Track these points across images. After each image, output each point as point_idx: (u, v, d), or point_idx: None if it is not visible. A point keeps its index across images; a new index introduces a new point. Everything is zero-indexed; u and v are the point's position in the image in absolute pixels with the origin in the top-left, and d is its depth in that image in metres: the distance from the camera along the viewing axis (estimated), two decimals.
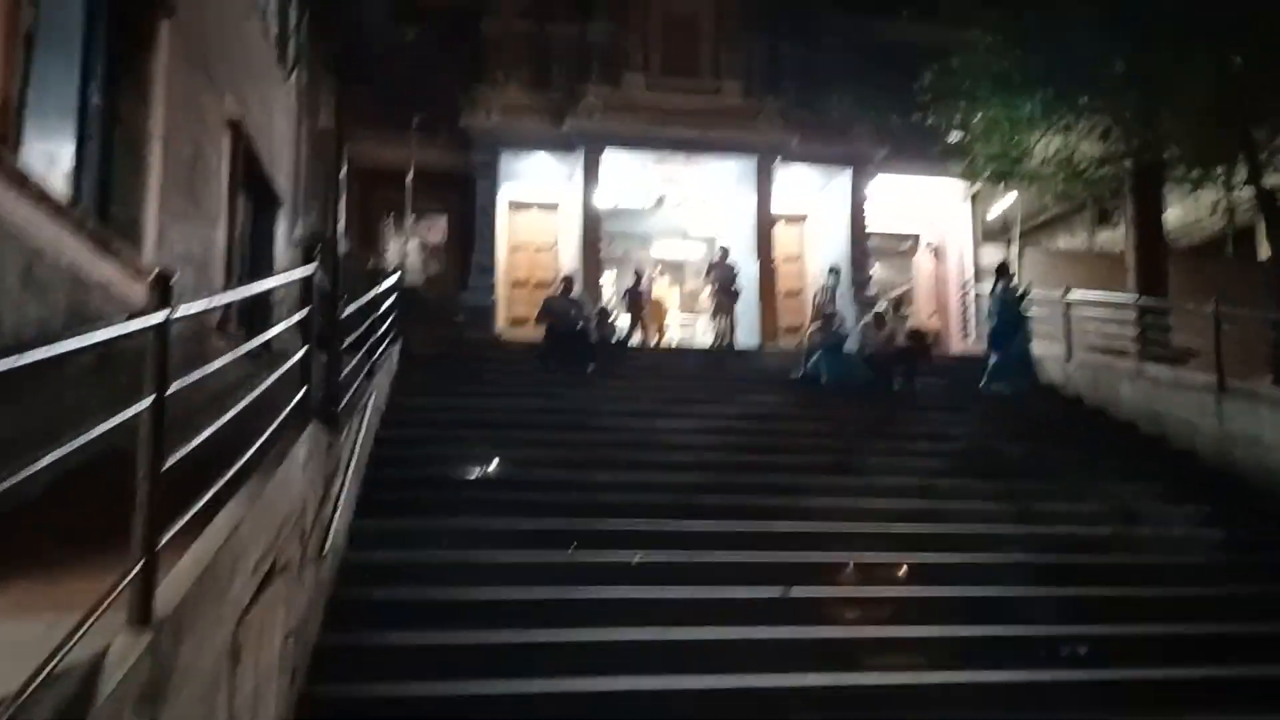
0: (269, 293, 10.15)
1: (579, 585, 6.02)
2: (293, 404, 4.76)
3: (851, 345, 12.67)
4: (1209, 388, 9.87)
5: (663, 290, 19.76)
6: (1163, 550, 7.53)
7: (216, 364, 3.28)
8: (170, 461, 2.91)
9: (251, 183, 10.46)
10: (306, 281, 5.43)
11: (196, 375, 3.04)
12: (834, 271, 15.99)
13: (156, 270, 2.84)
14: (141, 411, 2.76)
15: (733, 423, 9.83)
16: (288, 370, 4.80)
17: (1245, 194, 13.14)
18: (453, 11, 17.34)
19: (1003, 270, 12.95)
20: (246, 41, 9.96)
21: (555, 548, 6.50)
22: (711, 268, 16.16)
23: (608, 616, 5.72)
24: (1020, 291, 12.62)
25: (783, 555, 6.65)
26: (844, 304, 16.50)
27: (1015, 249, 17.54)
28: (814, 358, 12.01)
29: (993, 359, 12.27)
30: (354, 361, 7.32)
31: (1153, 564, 7.24)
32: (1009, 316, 12.29)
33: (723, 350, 15.16)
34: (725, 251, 16.21)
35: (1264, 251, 17.26)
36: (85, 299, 5.47)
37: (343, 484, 6.00)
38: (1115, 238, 18.46)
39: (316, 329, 5.46)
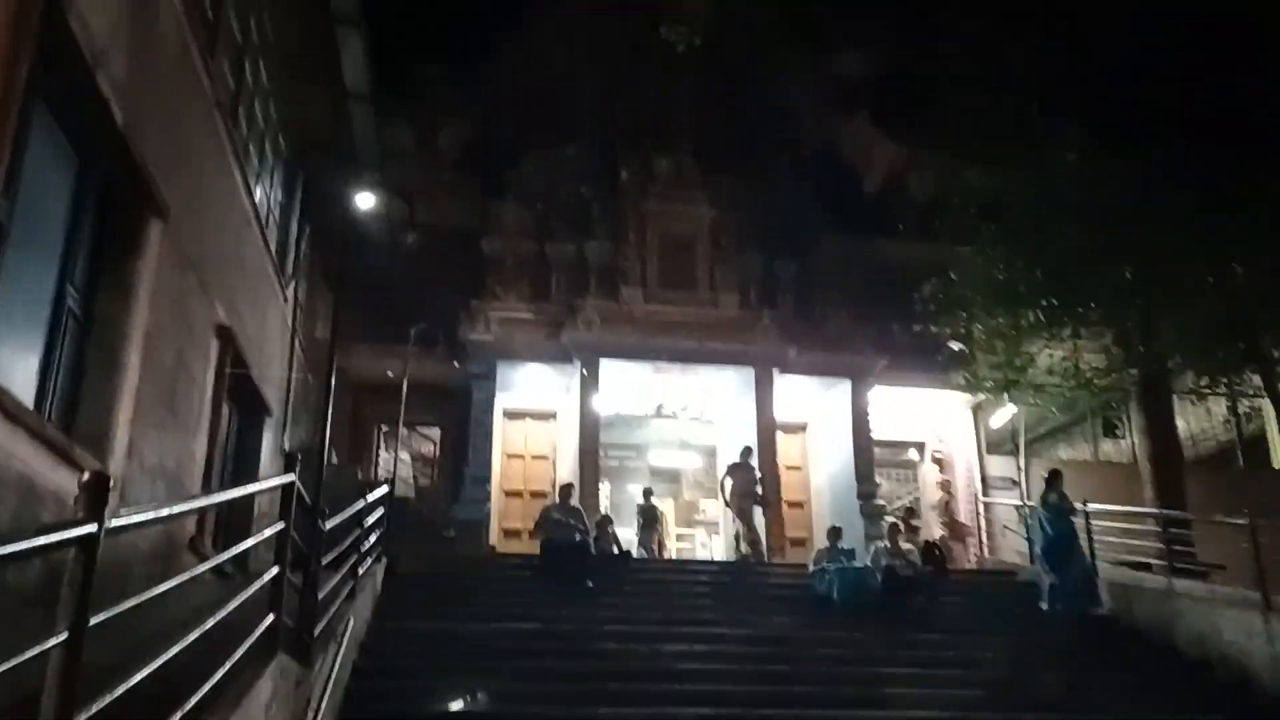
0: (249, 507, 9.63)
1: None
2: (258, 633, 4.17)
3: (863, 559, 11.95)
4: (1253, 605, 9.17)
5: (662, 502, 19.09)
6: None
7: (157, 590, 2.73)
8: (91, 710, 2.35)
9: (238, 392, 10.09)
10: (285, 494, 4.95)
11: (128, 604, 2.49)
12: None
13: (89, 473, 2.35)
14: (53, 648, 2.21)
15: (745, 647, 9.07)
16: (256, 593, 4.24)
17: (1253, 402, 12.93)
18: (452, 230, 17.68)
19: (1054, 478, 11.47)
20: (244, 248, 9.84)
21: None
22: (732, 469, 14.90)
23: None
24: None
25: None
26: (850, 517, 15.91)
27: (1023, 459, 17.11)
28: (826, 574, 11.30)
29: (1049, 578, 11.00)
30: (334, 581, 6.74)
31: None
32: (1064, 530, 11.06)
33: (747, 562, 13.91)
34: (749, 450, 15.24)
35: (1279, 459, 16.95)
36: (38, 510, 4.96)
37: None
38: (1120, 448, 18.14)
39: (293, 546, 4.94)
